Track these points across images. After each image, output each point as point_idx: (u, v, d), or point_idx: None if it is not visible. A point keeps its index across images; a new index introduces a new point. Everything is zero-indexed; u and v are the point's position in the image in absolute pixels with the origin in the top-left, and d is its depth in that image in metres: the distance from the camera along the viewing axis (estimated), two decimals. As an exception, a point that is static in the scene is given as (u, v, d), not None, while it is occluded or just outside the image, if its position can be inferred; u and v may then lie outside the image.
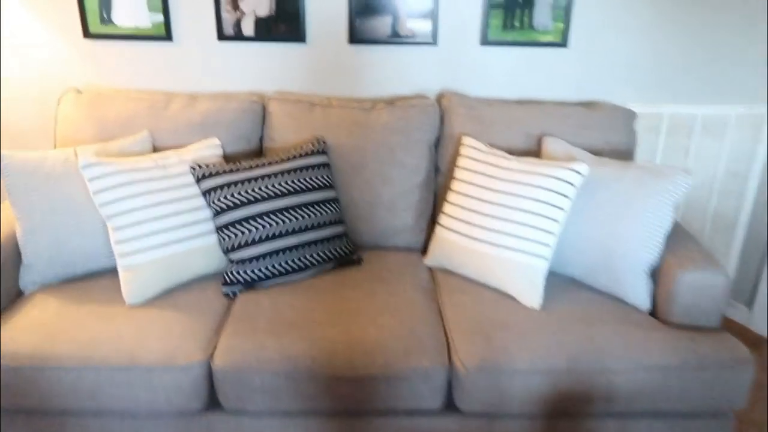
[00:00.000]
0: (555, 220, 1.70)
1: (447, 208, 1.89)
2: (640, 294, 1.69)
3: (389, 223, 2.00)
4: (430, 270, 1.94)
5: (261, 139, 2.08)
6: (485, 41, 2.13)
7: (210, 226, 1.80)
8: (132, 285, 1.68)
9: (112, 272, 1.82)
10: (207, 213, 1.80)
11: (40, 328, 1.57)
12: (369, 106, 2.03)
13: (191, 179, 1.80)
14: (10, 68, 2.16)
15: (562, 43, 2.13)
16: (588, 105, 2.05)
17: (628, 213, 1.68)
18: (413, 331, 1.59)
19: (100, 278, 1.80)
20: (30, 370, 1.49)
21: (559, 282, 1.81)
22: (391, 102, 2.09)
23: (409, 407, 1.55)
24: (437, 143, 2.07)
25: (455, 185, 1.89)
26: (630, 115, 2.02)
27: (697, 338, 1.56)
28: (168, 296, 1.73)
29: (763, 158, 2.28)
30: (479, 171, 1.84)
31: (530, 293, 1.71)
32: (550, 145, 1.88)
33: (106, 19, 2.10)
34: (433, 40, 2.13)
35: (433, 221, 2.07)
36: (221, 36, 2.13)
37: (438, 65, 2.18)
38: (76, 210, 1.75)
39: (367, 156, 1.97)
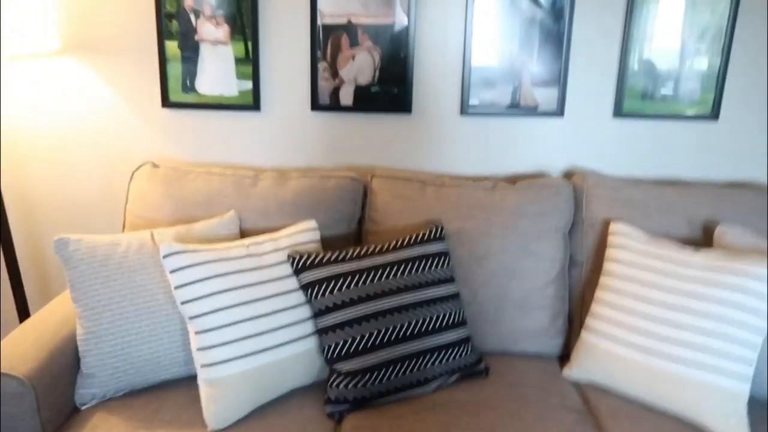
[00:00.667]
0: (756, 332, 1.33)
1: (597, 308, 1.53)
2: None
3: (519, 324, 1.64)
4: (576, 386, 1.55)
5: (360, 222, 1.77)
6: (619, 113, 1.84)
7: (309, 327, 1.46)
8: (217, 405, 1.32)
9: (187, 382, 1.47)
10: (306, 311, 1.47)
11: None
12: (490, 185, 1.72)
13: (288, 270, 1.48)
14: (80, 140, 1.93)
15: (712, 116, 1.83)
16: (753, 186, 1.72)
17: None
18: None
19: (172, 390, 1.45)
20: None
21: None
22: (512, 181, 1.78)
23: None
24: (571, 230, 1.74)
25: (606, 281, 1.54)
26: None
27: None
28: (259, 418, 1.37)
29: None
30: (641, 264, 1.49)
31: (730, 424, 1.31)
32: (727, 235, 1.53)
33: (188, 87, 1.87)
34: (559, 111, 1.85)
35: (570, 323, 1.70)
36: (315, 106, 1.88)
37: (563, 140, 1.88)
38: (152, 307, 1.43)
39: (493, 244, 1.64)
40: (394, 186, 1.73)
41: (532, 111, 1.85)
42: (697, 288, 1.38)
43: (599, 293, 1.55)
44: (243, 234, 1.66)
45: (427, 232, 1.59)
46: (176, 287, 1.35)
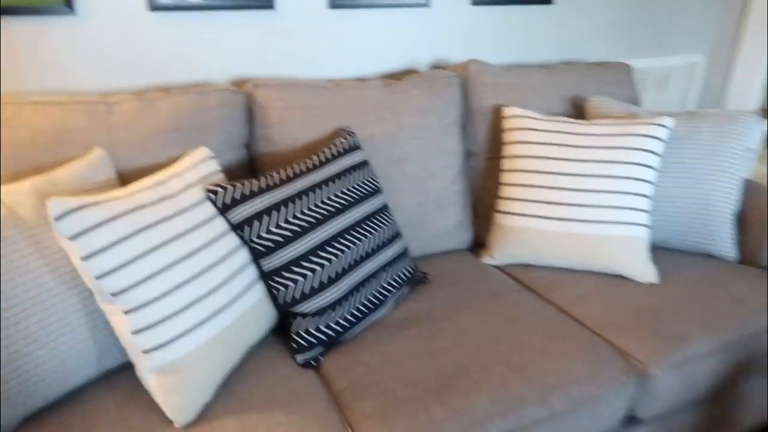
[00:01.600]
0: (649, 182, 1.52)
1: (506, 191, 1.58)
2: (728, 246, 1.61)
3: (439, 224, 1.60)
4: (501, 269, 1.60)
5: (247, 145, 1.49)
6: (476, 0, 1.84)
7: (253, 273, 1.21)
8: (180, 394, 1.02)
9: (107, 381, 1.11)
10: (244, 255, 1.20)
11: None
12: (381, 85, 1.59)
13: (210, 211, 1.17)
14: None
15: (546, 1, 1.96)
16: (601, 64, 1.91)
17: (714, 164, 1.58)
18: (571, 343, 1.26)
19: (93, 397, 1.08)
20: None
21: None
22: (395, 78, 1.68)
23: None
24: (463, 122, 1.72)
25: (510, 164, 1.59)
26: (630, 71, 1.94)
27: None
28: (232, 394, 1.11)
29: (695, 102, 2.44)
30: (541, 142, 1.56)
31: (643, 268, 1.50)
32: (601, 105, 1.69)
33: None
34: (425, 1, 1.76)
35: (476, 214, 1.73)
36: (155, 5, 1.45)
37: (430, 31, 1.81)
38: (37, 298, 1.00)
39: (408, 146, 1.54)
40: (285, 95, 1.47)
41: (400, 1, 1.74)
42: (592, 154, 1.51)
43: (505, 177, 1.59)
44: (122, 177, 1.25)
45: (343, 143, 1.41)
46: (84, 258, 0.97)
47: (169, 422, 1.03)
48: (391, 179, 1.52)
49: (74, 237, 0.96)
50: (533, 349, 1.24)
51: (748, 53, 2.31)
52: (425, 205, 1.57)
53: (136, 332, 1.01)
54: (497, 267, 1.62)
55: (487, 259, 1.63)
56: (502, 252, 1.60)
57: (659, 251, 1.65)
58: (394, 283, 1.39)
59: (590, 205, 1.50)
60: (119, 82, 1.49)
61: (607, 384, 1.20)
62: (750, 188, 1.67)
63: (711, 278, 1.51)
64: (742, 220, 1.65)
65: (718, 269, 1.56)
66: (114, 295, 1.00)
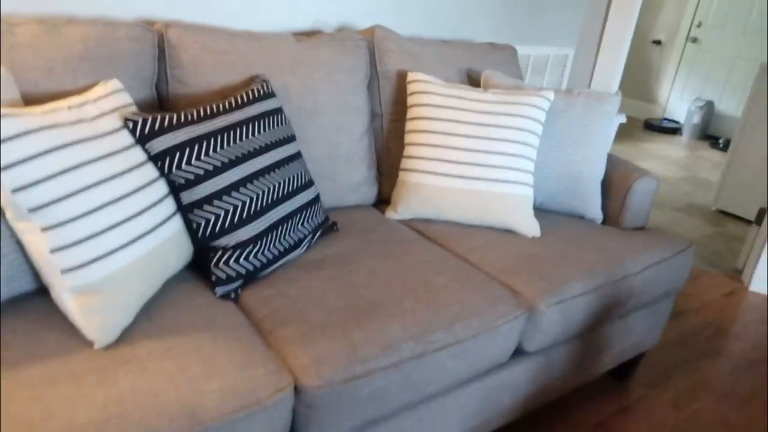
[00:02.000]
0: (534, 147, 1.70)
1: (410, 150, 1.69)
2: (596, 209, 1.85)
3: (349, 177, 1.67)
4: (404, 223, 1.70)
5: (158, 86, 1.45)
6: (382, -28, 1.93)
7: (171, 205, 1.20)
8: (100, 315, 1.00)
9: (13, 310, 1.04)
10: (162, 187, 1.19)
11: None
12: (294, 39, 1.62)
13: (127, 140, 1.15)
14: None
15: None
16: (492, 45, 2.08)
17: (588, 135, 1.80)
18: (471, 283, 1.39)
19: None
20: None
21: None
22: (306, 35, 1.72)
23: (490, 364, 1.37)
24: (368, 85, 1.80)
25: (413, 125, 1.70)
26: (516, 53, 2.14)
27: (657, 235, 1.81)
28: (151, 320, 1.09)
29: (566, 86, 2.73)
30: (443, 105, 1.69)
31: (529, 223, 1.68)
32: (493, 78, 1.85)
33: None
34: (336, -34, 1.82)
35: (380, 173, 1.81)
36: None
37: (337, -4, 1.88)
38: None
39: (320, 99, 1.59)
40: (198, 38, 1.46)
41: (312, -37, 1.78)
42: (488, 119, 1.66)
43: (410, 137, 1.70)
44: (26, 101, 1.17)
45: (260, 89, 1.43)
46: (4, 168, 0.91)
47: (88, 344, 1.00)
48: (303, 130, 1.57)
49: (-10, 145, 0.91)
50: (438, 286, 1.35)
51: (608, 48, 2.64)
52: (335, 158, 1.63)
53: (54, 251, 0.97)
54: (401, 221, 1.71)
55: (392, 214, 1.72)
56: (405, 207, 1.70)
57: (539, 212, 1.84)
58: (309, 227, 1.43)
59: (485, 164, 1.65)
60: (17, 7, 1.38)
61: (503, 316, 1.33)
62: (611, 161, 1.93)
63: (583, 235, 1.72)
64: (605, 188, 1.90)
65: (588, 228, 1.78)
66: (31, 211, 0.95)
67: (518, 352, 1.48)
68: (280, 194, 1.35)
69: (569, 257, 1.57)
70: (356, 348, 1.12)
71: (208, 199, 1.21)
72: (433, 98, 1.70)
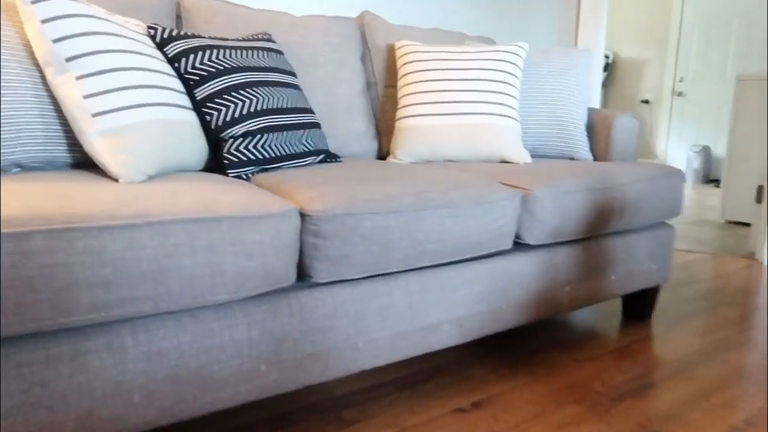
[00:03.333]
0: (515, 87, 1.87)
1: (403, 101, 1.86)
2: (584, 149, 1.97)
3: (348, 126, 1.83)
4: (404, 166, 1.83)
5: (175, 45, 1.67)
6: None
7: (187, 101, 1.36)
8: (124, 154, 1.12)
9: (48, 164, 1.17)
10: (180, 84, 1.35)
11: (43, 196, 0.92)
12: (289, 17, 1.87)
13: (151, 44, 1.34)
14: None
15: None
16: (471, 36, 2.33)
17: (566, 82, 1.97)
18: (468, 178, 1.49)
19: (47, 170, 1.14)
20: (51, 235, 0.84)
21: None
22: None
23: (491, 242, 1.43)
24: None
25: (405, 80, 1.88)
26: (493, 43, 2.38)
27: (644, 164, 1.91)
28: (168, 177, 1.21)
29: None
30: (430, 59, 1.88)
31: (519, 151, 1.80)
32: (471, 42, 2.07)
33: None
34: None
35: (379, 132, 1.97)
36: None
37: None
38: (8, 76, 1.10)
39: (317, 54, 1.80)
40: (210, 4, 1.70)
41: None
42: (472, 65, 1.85)
43: (402, 91, 1.87)
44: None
45: (264, 36, 1.64)
46: (44, 21, 1.10)
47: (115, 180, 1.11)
48: (303, 80, 1.76)
49: (36, 1, 1.10)
50: (438, 176, 1.45)
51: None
52: (335, 106, 1.80)
53: (86, 96, 1.12)
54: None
55: (392, 160, 1.85)
56: (403, 150, 1.83)
57: (531, 157, 1.97)
58: (312, 145, 1.57)
59: (472, 101, 1.81)
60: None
61: (498, 192, 1.42)
62: (592, 111, 2.08)
63: (574, 164, 1.83)
64: (590, 133, 2.03)
65: (579, 162, 1.89)
66: (68, 60, 1.12)
67: (521, 246, 1.54)
68: (283, 105, 1.50)
69: (562, 171, 1.67)
70: (358, 193, 1.21)
71: (218, 94, 1.37)
72: (420, 55, 1.90)
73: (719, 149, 5.52)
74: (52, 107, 1.18)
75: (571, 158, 1.98)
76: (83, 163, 1.25)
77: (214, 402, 1.06)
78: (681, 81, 5.73)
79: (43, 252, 0.83)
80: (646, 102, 6.03)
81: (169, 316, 1.00)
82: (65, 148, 1.21)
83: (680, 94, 5.75)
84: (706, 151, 5.49)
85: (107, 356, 0.92)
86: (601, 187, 1.63)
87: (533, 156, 1.99)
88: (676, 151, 5.84)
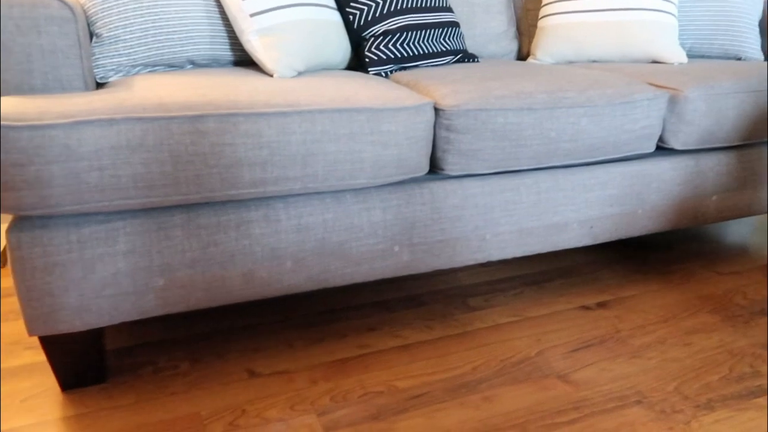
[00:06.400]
0: (677, -19, 1.71)
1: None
2: (754, 47, 1.77)
3: (488, 26, 1.81)
4: (544, 67, 1.79)
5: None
6: None
7: (332, 3, 1.44)
8: (277, 51, 1.24)
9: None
10: (326, -13, 1.43)
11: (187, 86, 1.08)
12: None
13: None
14: None
15: None
16: None
17: (737, -32, 1.76)
18: (610, 77, 1.43)
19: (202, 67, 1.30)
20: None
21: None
22: None
23: (630, 143, 1.39)
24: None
25: (552, -21, 1.80)
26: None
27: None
28: (319, 73, 1.32)
29: None
30: (580, -45, 1.77)
31: (674, 50, 1.67)
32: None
33: None
34: None
35: (520, 32, 1.93)
36: None
37: None
38: (170, -35, 1.25)
39: (459, -49, 1.78)
40: None
41: None
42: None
43: (549, -11, 1.80)
44: None
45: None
46: (209, -72, 1.21)
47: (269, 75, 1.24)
48: (446, -23, 1.75)
49: None
50: (582, 80, 1.41)
51: None
52: (474, 5, 1.79)
53: (245, -2, 1.24)
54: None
55: (533, 61, 1.81)
56: (545, 51, 1.78)
57: (689, 59, 1.81)
58: (449, 45, 1.59)
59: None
60: None
61: (641, 92, 1.35)
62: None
63: (740, 64, 1.66)
64: (763, 30, 1.81)
65: (746, 62, 1.71)
66: (229, -36, 1.23)
67: (665, 151, 1.47)
68: (423, 4, 1.52)
69: (720, 70, 1.54)
70: (491, 90, 1.23)
71: (359, -5, 1.43)
72: (568, -51, 1.79)
73: None
74: (216, 9, 1.31)
75: (738, 58, 1.79)
76: (243, 60, 1.39)
77: (354, 275, 1.20)
78: None
79: (214, 132, 0.98)
80: None
81: (316, 195, 1.13)
82: (228, 46, 1.35)
83: None
84: None
85: (265, 225, 1.08)
86: (761, 89, 1.48)
87: (691, 56, 1.83)
88: None
